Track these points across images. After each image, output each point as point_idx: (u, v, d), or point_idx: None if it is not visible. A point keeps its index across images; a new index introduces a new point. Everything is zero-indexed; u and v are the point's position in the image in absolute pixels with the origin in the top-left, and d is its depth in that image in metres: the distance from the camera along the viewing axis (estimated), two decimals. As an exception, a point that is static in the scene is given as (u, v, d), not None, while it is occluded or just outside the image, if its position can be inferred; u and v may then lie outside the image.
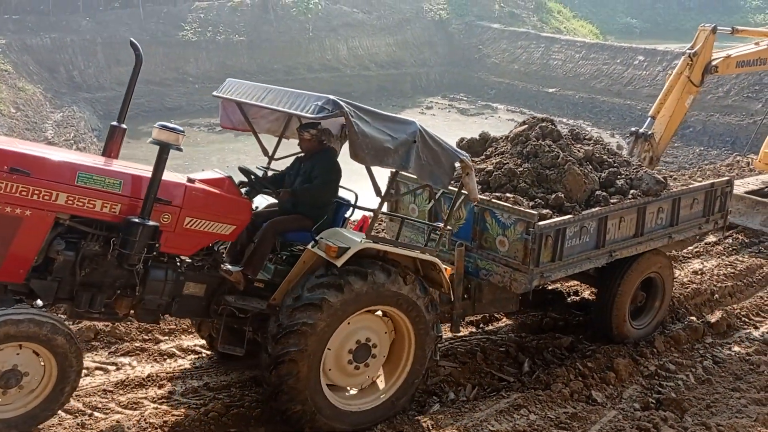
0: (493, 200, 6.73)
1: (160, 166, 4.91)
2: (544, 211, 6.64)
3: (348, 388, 5.85)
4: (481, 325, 8.09)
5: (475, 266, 6.91)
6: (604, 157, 7.75)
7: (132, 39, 5.86)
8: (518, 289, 6.56)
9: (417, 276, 5.73)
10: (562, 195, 6.89)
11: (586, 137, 8.23)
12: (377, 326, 5.73)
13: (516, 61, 50.58)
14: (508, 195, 6.84)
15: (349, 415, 5.60)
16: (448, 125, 39.40)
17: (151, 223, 4.95)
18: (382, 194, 5.58)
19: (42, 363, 4.59)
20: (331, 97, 5.11)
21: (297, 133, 6.19)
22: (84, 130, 34.30)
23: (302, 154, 6.25)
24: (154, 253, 5.11)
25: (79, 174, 4.86)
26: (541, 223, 6.45)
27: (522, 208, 6.56)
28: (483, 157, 7.78)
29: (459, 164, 5.75)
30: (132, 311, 5.36)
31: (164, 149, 4.89)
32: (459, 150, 5.91)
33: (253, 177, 6.06)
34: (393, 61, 52.15)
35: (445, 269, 6.04)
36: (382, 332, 5.76)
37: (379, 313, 5.76)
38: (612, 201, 7.14)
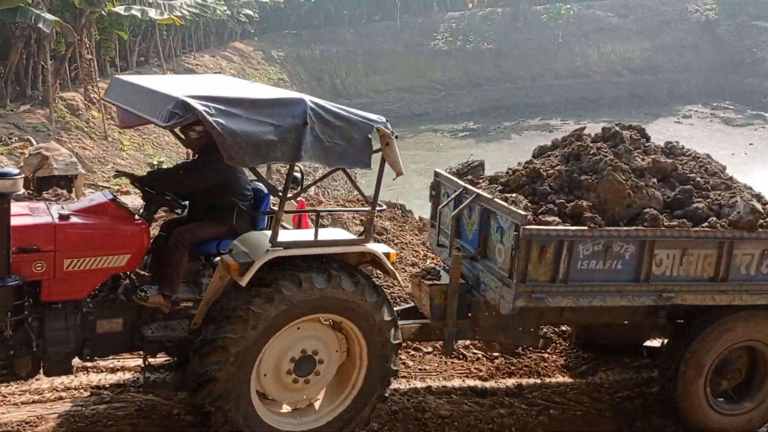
0: (495, 200, 5.47)
1: (3, 218, 4.25)
2: (550, 218, 5.23)
3: (282, 404, 5.18)
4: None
5: (476, 279, 5.70)
6: (695, 176, 5.86)
7: None
8: (504, 309, 5.29)
9: (352, 272, 4.94)
10: (586, 204, 5.37)
11: (686, 153, 6.36)
12: (329, 340, 5.05)
13: (799, 64, 44.07)
14: (512, 195, 5.57)
15: None
16: (709, 136, 35.77)
17: (11, 281, 4.36)
18: (281, 192, 4.75)
19: None
20: (182, 98, 4.24)
21: (182, 132, 5.34)
22: (341, 134, 37.04)
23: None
24: (26, 311, 4.48)
25: None
26: (530, 227, 5.04)
27: (513, 208, 5.23)
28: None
29: (378, 134, 4.80)
30: (40, 367, 4.78)
31: (2, 198, 4.23)
32: (373, 117, 4.82)
33: (136, 183, 5.31)
34: (648, 66, 48.85)
35: (391, 254, 5.18)
36: (332, 349, 5.06)
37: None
38: (667, 223, 5.34)
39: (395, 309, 5.91)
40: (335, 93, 45.05)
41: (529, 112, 42.63)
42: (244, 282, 4.55)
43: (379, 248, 5.20)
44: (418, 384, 6.47)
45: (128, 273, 4.97)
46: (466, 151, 33.67)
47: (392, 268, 5.17)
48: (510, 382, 6.59)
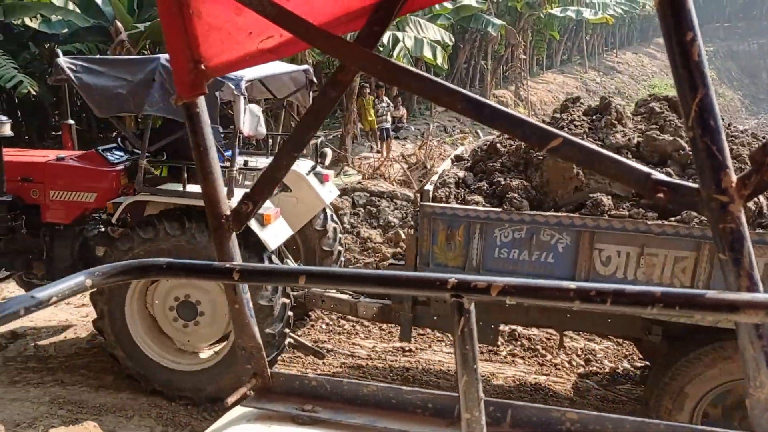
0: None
1: None
2: (472, 198, 4.74)
3: (181, 344, 5.72)
4: None
5: None
6: None
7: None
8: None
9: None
10: (518, 184, 4.75)
11: (742, 133, 5.13)
12: (212, 291, 5.37)
13: None
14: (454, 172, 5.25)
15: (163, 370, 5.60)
16: None
17: (6, 198, 5.76)
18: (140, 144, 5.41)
19: None
20: (58, 59, 5.20)
21: None
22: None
23: None
24: (18, 223, 5.80)
25: None
26: (428, 203, 4.68)
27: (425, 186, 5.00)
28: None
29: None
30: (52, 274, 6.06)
31: None
32: (229, 75, 4.82)
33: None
34: None
35: (265, 215, 5.23)
36: (217, 300, 5.38)
37: None
38: (614, 212, 4.39)
39: None
40: (773, 92, 39.84)
41: None
42: (114, 219, 5.52)
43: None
44: None
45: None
46: None
47: (255, 227, 5.13)
48: None
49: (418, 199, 4.92)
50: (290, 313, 5.47)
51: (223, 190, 1.45)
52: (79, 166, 5.90)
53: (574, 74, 30.48)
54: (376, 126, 15.63)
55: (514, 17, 23.97)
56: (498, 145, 5.37)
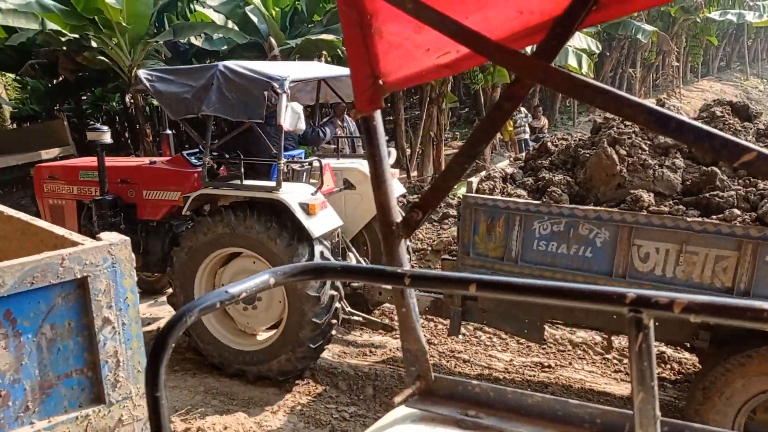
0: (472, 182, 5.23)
1: (100, 157, 6.32)
2: (518, 192, 4.85)
3: (241, 325, 6.21)
4: None
5: None
6: None
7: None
8: None
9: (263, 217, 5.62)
10: (560, 179, 4.77)
11: None
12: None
13: None
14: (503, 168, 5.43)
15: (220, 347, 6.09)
16: None
17: (107, 198, 6.43)
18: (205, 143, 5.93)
19: None
20: (139, 71, 5.87)
21: None
22: None
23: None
24: (118, 219, 6.42)
25: (81, 172, 6.85)
26: (471, 194, 4.79)
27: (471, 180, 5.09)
28: None
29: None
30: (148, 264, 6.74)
31: (98, 145, 6.20)
32: (274, 75, 5.40)
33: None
34: None
35: (311, 204, 5.52)
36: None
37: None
38: (653, 208, 4.28)
39: None
40: None
41: None
42: (184, 211, 6.06)
43: (294, 198, 5.57)
44: None
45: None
46: None
47: (301, 216, 5.47)
48: None
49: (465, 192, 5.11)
50: (338, 305, 5.77)
51: (394, 199, 1.52)
52: (165, 169, 6.57)
53: (734, 82, 28.36)
54: (515, 136, 15.44)
55: (667, 23, 22.71)
56: (549, 144, 5.55)
